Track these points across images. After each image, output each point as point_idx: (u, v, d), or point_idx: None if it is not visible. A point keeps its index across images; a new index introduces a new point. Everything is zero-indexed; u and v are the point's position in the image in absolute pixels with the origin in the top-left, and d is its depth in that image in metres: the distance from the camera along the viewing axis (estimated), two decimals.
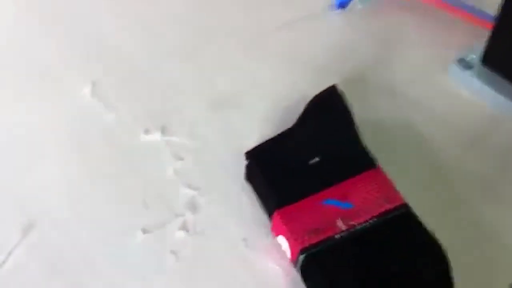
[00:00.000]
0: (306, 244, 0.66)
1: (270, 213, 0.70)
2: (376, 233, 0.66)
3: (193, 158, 0.77)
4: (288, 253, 0.68)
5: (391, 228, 0.66)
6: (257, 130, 0.79)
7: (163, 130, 0.79)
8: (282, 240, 0.68)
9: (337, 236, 0.66)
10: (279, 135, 0.75)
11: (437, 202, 0.74)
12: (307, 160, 0.72)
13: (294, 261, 0.67)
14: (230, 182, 0.75)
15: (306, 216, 0.68)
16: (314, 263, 0.65)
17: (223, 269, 0.69)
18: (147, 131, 0.79)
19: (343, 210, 0.68)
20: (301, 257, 0.65)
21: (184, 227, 0.72)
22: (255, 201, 0.73)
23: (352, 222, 0.67)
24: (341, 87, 0.79)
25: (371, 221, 0.67)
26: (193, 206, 0.73)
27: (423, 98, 0.83)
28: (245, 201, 0.74)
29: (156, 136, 0.78)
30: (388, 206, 0.68)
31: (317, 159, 0.72)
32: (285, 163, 0.72)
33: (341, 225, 0.67)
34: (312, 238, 0.66)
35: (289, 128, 0.76)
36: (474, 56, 0.82)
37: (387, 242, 0.66)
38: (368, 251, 0.65)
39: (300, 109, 0.78)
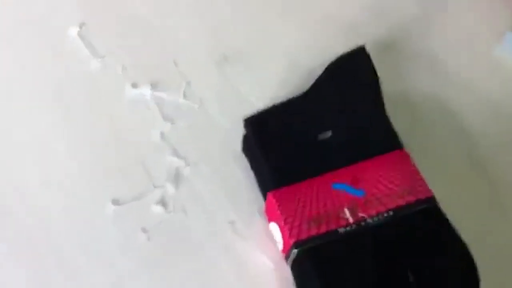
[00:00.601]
0: (303, 236, 0.53)
1: (264, 194, 0.58)
2: (391, 231, 0.53)
3: (185, 121, 0.65)
4: (280, 245, 0.55)
5: (410, 227, 0.53)
6: (267, 95, 0.66)
7: (154, 85, 0.66)
8: (274, 228, 0.56)
9: (341, 230, 0.53)
10: (288, 100, 0.62)
11: (475, 200, 0.60)
12: (316, 134, 0.59)
13: (286, 255, 0.54)
14: (224, 154, 0.63)
15: (307, 201, 0.55)
16: (309, 260, 0.52)
17: (201, 256, 0.57)
18: (135, 84, 0.66)
19: (353, 198, 0.55)
20: (294, 251, 0.53)
21: (161, 202, 0.60)
22: (251, 178, 0.61)
23: (362, 214, 0.54)
24: (370, 52, 0.65)
25: (386, 214, 0.53)
26: (176, 178, 0.61)
27: (469, 73, 0.68)
28: (238, 177, 0.61)
29: (145, 91, 0.66)
30: (410, 199, 0.54)
31: (329, 133, 0.59)
32: (290, 135, 0.59)
33: (348, 216, 0.54)
34: (311, 229, 0.53)
35: (301, 94, 0.63)
36: None
37: (404, 243, 0.52)
38: (379, 253, 0.52)
39: (320, 73, 0.64)
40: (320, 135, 0.59)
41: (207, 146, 0.63)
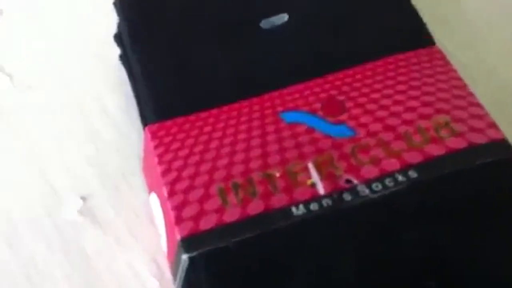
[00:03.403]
0: (206, 226, 0.22)
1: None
2: (409, 218, 0.23)
3: None
4: (164, 243, 0.25)
5: (457, 206, 0.23)
6: None
7: None
8: (155, 205, 0.26)
9: (297, 212, 0.23)
10: None
11: None
12: (256, 18, 0.29)
13: (172, 264, 0.24)
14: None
15: (225, 148, 0.25)
16: (215, 279, 0.22)
17: None
18: None
19: (329, 143, 0.25)
20: (184, 258, 0.22)
21: None
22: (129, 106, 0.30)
23: (349, 177, 0.23)
24: None
25: (402, 178, 0.23)
26: None
27: None
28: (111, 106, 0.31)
29: None
30: (459, 143, 0.24)
31: (283, 17, 0.29)
32: (195, 18, 0.29)
33: (316, 180, 0.24)
34: (227, 210, 0.23)
35: None
36: None
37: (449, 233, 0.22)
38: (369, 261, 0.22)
39: None
40: (265, 20, 0.29)
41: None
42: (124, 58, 0.30)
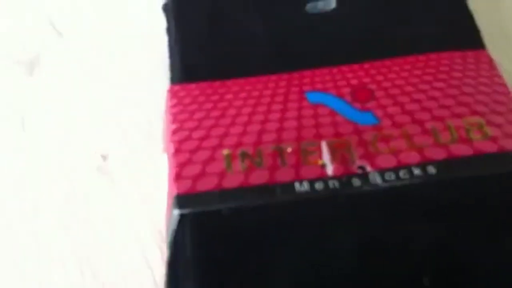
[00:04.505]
0: (203, 187, 0.22)
1: None
2: (418, 210, 0.21)
3: None
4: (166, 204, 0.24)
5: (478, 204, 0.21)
6: None
7: None
8: (165, 165, 0.25)
9: (300, 188, 0.21)
10: None
11: None
12: (303, 1, 0.28)
13: (167, 220, 0.23)
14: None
15: (241, 116, 0.24)
16: (203, 243, 0.21)
17: None
18: None
19: (349, 127, 0.23)
20: (175, 214, 0.22)
21: None
22: None
23: (362, 163, 0.22)
24: None
25: (419, 172, 0.22)
26: None
27: None
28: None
29: None
30: (490, 146, 0.22)
31: (331, 3, 0.28)
32: None
33: (326, 161, 0.22)
34: (228, 175, 0.22)
35: None
36: None
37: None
38: (371, 249, 0.20)
39: None
40: (311, 4, 0.28)
41: None
42: (168, 30, 0.30)
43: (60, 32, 0.34)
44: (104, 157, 0.29)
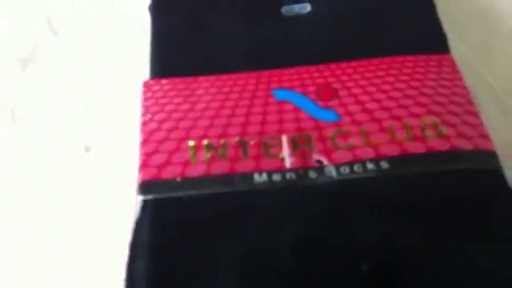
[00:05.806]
0: (166, 175, 0.23)
1: None
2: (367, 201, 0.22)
3: None
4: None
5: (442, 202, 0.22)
6: None
7: None
8: None
9: (259, 179, 0.23)
10: None
11: None
12: (278, 4, 0.30)
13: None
14: None
15: (208, 108, 0.25)
16: (161, 227, 0.22)
17: None
18: None
19: (310, 123, 0.24)
20: (139, 199, 0.23)
21: None
22: None
23: (320, 158, 0.23)
24: None
25: (372, 166, 0.23)
26: None
27: None
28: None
29: None
30: (443, 145, 0.23)
31: (306, 6, 0.30)
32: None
33: (285, 155, 0.24)
34: (191, 164, 0.23)
35: None
36: None
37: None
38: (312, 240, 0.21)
39: None
40: (287, 6, 0.29)
41: None
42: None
43: (56, 31, 0.36)
44: (87, 149, 0.30)
